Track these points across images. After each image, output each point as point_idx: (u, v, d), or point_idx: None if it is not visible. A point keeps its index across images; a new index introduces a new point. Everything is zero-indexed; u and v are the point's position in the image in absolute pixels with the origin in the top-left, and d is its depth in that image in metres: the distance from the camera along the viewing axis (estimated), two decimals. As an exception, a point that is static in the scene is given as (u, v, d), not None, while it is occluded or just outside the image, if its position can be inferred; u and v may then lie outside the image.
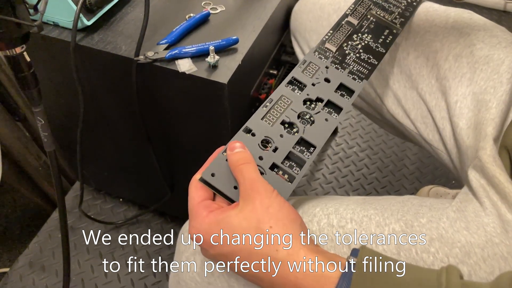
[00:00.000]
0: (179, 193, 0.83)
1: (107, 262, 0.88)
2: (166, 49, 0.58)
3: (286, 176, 0.41)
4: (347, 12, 0.57)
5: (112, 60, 0.59)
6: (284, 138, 0.42)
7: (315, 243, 0.38)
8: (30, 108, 0.97)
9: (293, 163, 0.42)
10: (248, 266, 0.34)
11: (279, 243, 0.33)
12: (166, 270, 0.87)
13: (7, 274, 0.88)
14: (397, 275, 0.31)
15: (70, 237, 0.93)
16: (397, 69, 0.60)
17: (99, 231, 0.93)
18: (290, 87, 0.47)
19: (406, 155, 1.07)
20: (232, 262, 0.34)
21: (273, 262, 0.32)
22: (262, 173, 0.39)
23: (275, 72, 0.77)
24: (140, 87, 0.60)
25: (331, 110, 0.46)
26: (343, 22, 0.56)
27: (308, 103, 0.46)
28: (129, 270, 0.87)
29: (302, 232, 0.34)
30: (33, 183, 1.06)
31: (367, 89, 0.65)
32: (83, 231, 0.93)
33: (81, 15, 0.58)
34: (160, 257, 0.89)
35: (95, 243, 0.91)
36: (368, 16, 0.57)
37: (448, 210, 0.43)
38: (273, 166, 0.41)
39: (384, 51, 0.54)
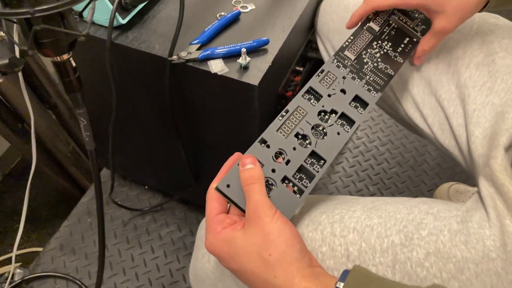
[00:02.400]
0: (204, 184, 0.85)
1: (134, 247, 0.92)
2: (198, 49, 0.60)
3: (295, 188, 0.42)
4: (370, 17, 0.57)
5: (146, 59, 0.61)
6: (297, 151, 0.44)
7: (318, 257, 0.43)
8: (60, 96, 1.01)
9: (303, 176, 0.43)
10: (252, 283, 0.38)
11: (277, 270, 0.36)
12: (190, 257, 0.90)
13: (39, 256, 0.93)
14: None
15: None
16: (417, 74, 0.60)
17: (126, 217, 0.97)
18: (306, 97, 0.47)
19: (427, 150, 1.07)
20: (239, 276, 0.39)
21: (271, 286, 0.36)
22: (272, 185, 0.41)
23: (301, 69, 0.78)
24: (172, 85, 0.62)
25: (344, 122, 0.47)
26: (364, 28, 0.55)
27: (322, 114, 0.47)
28: (155, 255, 0.90)
29: (299, 257, 0.37)
30: (61, 168, 1.10)
31: (387, 92, 0.65)
32: (110, 216, 0.97)
33: (116, 13, 0.60)
34: (184, 244, 0.92)
35: (122, 228, 0.95)
36: (390, 22, 0.57)
37: (452, 221, 0.44)
38: (284, 179, 0.42)
39: (402, 61, 0.54)
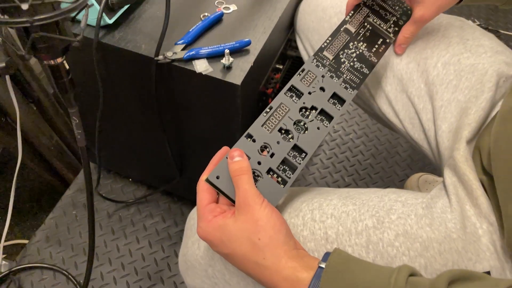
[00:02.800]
0: (187, 176, 0.89)
1: (119, 237, 0.95)
2: (183, 49, 0.63)
3: (279, 179, 0.46)
4: (346, 19, 0.61)
5: (133, 58, 0.63)
6: (280, 144, 0.47)
7: (300, 240, 0.47)
8: (43, 90, 1.01)
9: (286, 167, 0.47)
10: (243, 266, 0.42)
11: (266, 252, 0.40)
12: (174, 247, 0.94)
13: (25, 247, 0.95)
14: (358, 275, 0.38)
15: (83, 214, 0.99)
16: (390, 73, 0.64)
17: (111, 209, 0.99)
18: (288, 95, 0.51)
19: (399, 142, 1.14)
20: (230, 260, 0.43)
21: (261, 267, 0.40)
22: (258, 176, 0.45)
23: (281, 66, 0.82)
24: (158, 83, 0.65)
25: (323, 118, 0.51)
26: (341, 29, 0.59)
27: (304, 110, 0.50)
28: (140, 246, 0.94)
29: (286, 240, 0.41)
30: (44, 161, 1.11)
31: (362, 89, 0.70)
32: (95, 208, 0.99)
33: (103, 14, 0.62)
34: (168, 234, 0.96)
35: (107, 220, 0.97)
36: (365, 24, 0.61)
37: (418, 207, 0.49)
38: (269, 170, 0.46)
39: (376, 60, 0.58)
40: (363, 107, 0.76)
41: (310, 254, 0.43)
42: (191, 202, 1.01)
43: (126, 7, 0.66)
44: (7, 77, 0.70)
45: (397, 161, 1.10)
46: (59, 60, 0.45)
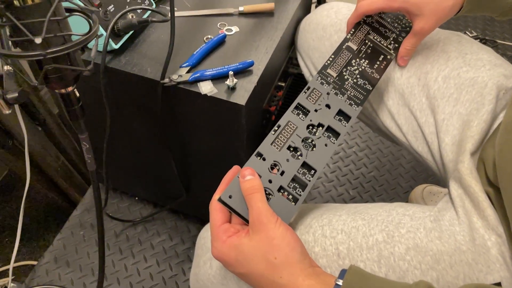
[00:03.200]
0: (193, 194, 0.90)
1: (127, 257, 0.95)
2: (188, 71, 0.64)
3: (290, 197, 0.47)
4: (348, 37, 0.62)
5: (139, 81, 0.65)
6: (290, 162, 0.48)
7: (312, 256, 0.47)
8: (49, 112, 1.03)
9: (296, 185, 0.48)
10: (259, 285, 0.42)
11: (282, 271, 0.40)
12: (182, 265, 0.94)
13: (34, 269, 0.95)
14: None
15: (90, 234, 1.00)
16: (391, 88, 0.66)
17: (118, 228, 1.00)
18: (295, 112, 0.52)
19: (402, 154, 1.14)
20: (246, 279, 0.43)
21: (278, 286, 0.40)
22: (270, 194, 0.46)
23: (283, 84, 0.83)
24: (164, 105, 0.66)
25: (330, 134, 0.52)
26: (343, 47, 0.61)
27: (311, 127, 0.52)
28: (148, 265, 0.94)
29: (301, 258, 0.41)
30: (51, 181, 1.12)
31: (365, 104, 0.71)
32: (102, 228, 1.00)
33: (109, 39, 0.64)
34: (175, 252, 0.96)
35: (115, 239, 0.98)
36: (366, 41, 0.62)
37: (426, 220, 0.50)
38: (280, 188, 0.47)
39: (378, 76, 0.59)
40: (366, 122, 0.77)
41: (326, 272, 0.44)
42: (198, 219, 1.01)
43: (131, 32, 0.68)
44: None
45: (400, 173, 1.11)
46: (70, 89, 0.46)
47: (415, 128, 0.64)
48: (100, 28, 0.63)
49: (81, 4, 0.43)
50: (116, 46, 0.65)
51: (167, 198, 0.97)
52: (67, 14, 0.40)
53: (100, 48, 0.63)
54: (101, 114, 0.71)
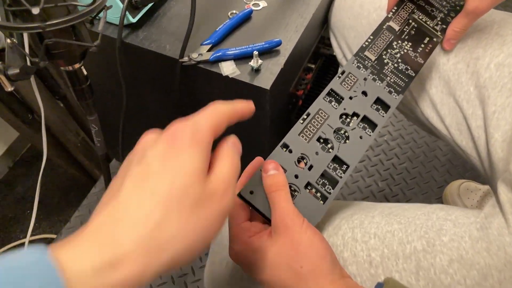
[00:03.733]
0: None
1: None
2: (209, 50, 0.59)
3: (319, 194, 0.42)
4: (389, 16, 0.55)
5: (157, 59, 0.60)
6: (320, 155, 0.43)
7: (340, 262, 0.41)
8: (69, 87, 1.00)
9: (326, 181, 0.43)
10: None
11: (308, 282, 0.35)
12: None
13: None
14: None
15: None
16: (435, 74, 0.59)
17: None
18: (327, 99, 0.47)
19: (438, 145, 1.06)
20: (267, 286, 0.38)
21: None
22: (296, 191, 0.41)
23: (312, 66, 0.76)
24: (183, 85, 0.61)
25: (366, 125, 0.46)
26: (384, 27, 0.54)
27: (344, 117, 0.46)
28: (162, 281, 0.90)
29: (331, 268, 0.36)
30: (71, 157, 1.11)
31: None
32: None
33: (127, 12, 0.59)
34: (192, 268, 0.91)
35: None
36: (410, 21, 0.56)
37: (471, 227, 0.43)
38: (307, 184, 0.42)
39: (422, 61, 0.53)
40: (402, 110, 0.70)
41: (358, 284, 0.39)
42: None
43: (150, 5, 0.63)
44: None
45: (435, 165, 1.03)
46: (76, 65, 0.42)
47: (460, 120, 0.58)
48: (116, 0, 0.58)
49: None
50: (134, 20, 0.61)
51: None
52: (69, -19, 0.35)
53: (116, 22, 0.59)
54: (118, 91, 0.67)
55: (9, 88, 0.42)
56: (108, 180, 0.52)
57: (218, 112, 0.32)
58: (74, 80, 0.43)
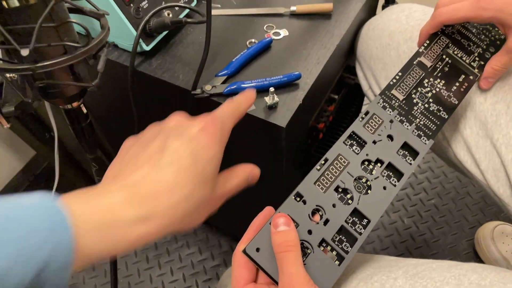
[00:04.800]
0: (227, 208, 0.82)
1: (153, 267, 0.90)
2: (224, 81, 0.55)
3: (334, 253, 0.37)
4: (420, 50, 0.50)
5: (169, 89, 0.57)
6: (337, 208, 0.39)
7: None
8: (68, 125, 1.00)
9: (343, 238, 0.38)
10: None
11: None
12: (209, 283, 0.87)
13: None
14: None
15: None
16: (470, 113, 0.54)
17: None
18: (348, 143, 0.42)
19: (470, 181, 0.99)
20: None
21: None
22: (307, 248, 0.37)
23: (336, 96, 0.72)
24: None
25: (391, 174, 0.42)
26: (414, 63, 0.49)
27: (366, 164, 0.42)
28: (174, 278, 0.88)
29: None
30: (86, 175, 1.10)
31: None
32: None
33: (140, 40, 0.56)
34: (204, 268, 0.89)
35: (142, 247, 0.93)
36: (444, 57, 0.50)
37: None
38: (322, 242, 0.38)
39: (456, 102, 0.48)
40: (434, 150, 0.65)
41: None
42: (230, 234, 0.94)
43: (164, 33, 0.60)
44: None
45: (467, 203, 0.95)
46: (75, 104, 0.39)
47: (497, 166, 0.52)
48: (129, 26, 0.55)
49: (89, 6, 0.35)
50: (147, 48, 0.58)
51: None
52: (72, 19, 0.33)
53: (129, 49, 0.56)
54: (129, 116, 0.65)
55: (5, 125, 0.40)
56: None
57: (236, 111, 0.40)
58: (73, 118, 0.40)
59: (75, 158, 1.01)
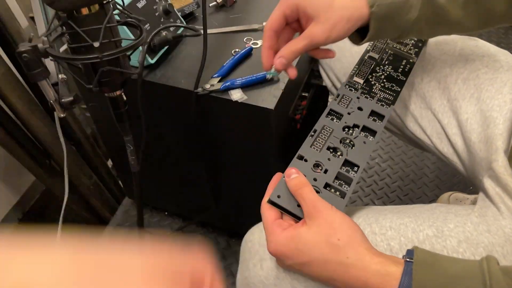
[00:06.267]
0: (222, 205, 0.92)
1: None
2: (219, 81, 0.68)
3: (338, 193, 0.48)
4: (368, 48, 0.65)
5: (174, 92, 0.69)
6: (332, 161, 0.50)
7: None
8: (84, 133, 1.09)
9: (342, 182, 0.49)
10: (324, 270, 0.41)
11: (348, 251, 0.40)
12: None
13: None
14: (448, 267, 0.38)
15: (122, 248, 1.02)
16: (412, 92, 0.68)
17: (149, 242, 1.02)
18: (329, 118, 0.55)
19: (425, 164, 1.15)
20: (309, 269, 0.42)
21: (346, 267, 0.40)
22: (318, 192, 0.47)
23: (306, 94, 0.87)
24: (197, 113, 0.70)
25: (367, 134, 0.54)
26: (365, 57, 0.64)
27: (347, 129, 0.54)
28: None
29: (364, 239, 0.42)
30: (84, 200, 1.17)
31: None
32: (134, 242, 1.03)
33: (146, 55, 0.69)
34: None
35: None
36: (387, 50, 0.65)
37: (471, 216, 0.50)
38: (326, 185, 0.48)
39: (404, 78, 0.62)
40: (391, 129, 0.79)
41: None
42: (226, 232, 1.03)
43: (165, 48, 0.73)
44: (57, 119, 0.77)
45: (425, 182, 1.11)
46: (118, 92, 0.50)
47: (439, 130, 0.66)
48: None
49: (131, 14, 0.48)
50: (152, 61, 0.70)
51: (196, 211, 1.00)
52: (120, 22, 0.45)
53: (136, 64, 0.68)
54: (135, 128, 0.76)
55: (61, 114, 0.50)
56: (139, 194, 0.59)
57: None
58: (115, 105, 0.51)
59: (73, 183, 1.08)
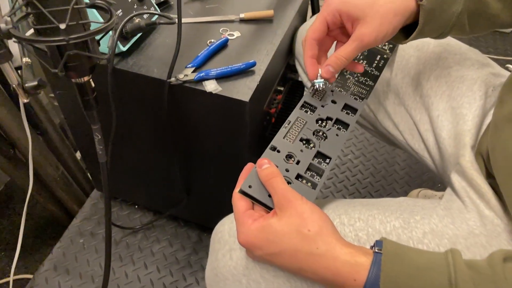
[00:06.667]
0: (194, 198, 0.91)
1: (127, 264, 0.95)
2: (193, 72, 0.67)
3: (309, 184, 0.48)
4: None
5: (146, 82, 0.67)
6: (304, 152, 0.50)
7: None
8: (50, 121, 1.04)
9: (313, 173, 0.49)
10: (295, 261, 0.41)
11: (318, 242, 0.40)
12: (182, 271, 0.94)
13: (33, 278, 0.94)
14: (414, 258, 0.39)
15: (90, 242, 0.99)
16: (387, 88, 0.69)
17: (118, 236, 1.00)
18: (303, 110, 0.55)
19: (396, 161, 1.17)
20: (279, 259, 0.42)
21: (315, 257, 0.40)
22: (289, 183, 0.47)
23: (281, 88, 0.86)
24: (170, 104, 0.69)
25: (340, 126, 0.54)
26: None
27: (320, 122, 0.54)
28: (148, 271, 0.94)
29: (334, 229, 0.42)
30: (50, 192, 1.12)
31: (364, 109, 0.74)
32: (102, 236, 1.00)
33: (118, 42, 0.67)
34: (176, 258, 0.96)
35: (115, 247, 0.98)
36: None
37: (437, 209, 0.52)
38: (298, 176, 0.48)
39: (378, 73, 0.63)
40: (364, 125, 0.80)
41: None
42: (197, 226, 1.02)
43: (138, 35, 0.71)
44: (22, 107, 0.73)
45: (395, 178, 1.13)
46: (86, 78, 0.48)
47: (411, 126, 0.67)
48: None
49: None
50: (124, 49, 0.68)
51: (167, 205, 0.98)
52: (89, 4, 0.43)
53: (106, 50, 0.66)
54: (105, 117, 0.73)
55: (25, 99, 0.47)
56: (107, 187, 0.57)
57: None
58: (83, 91, 0.49)
59: (39, 174, 1.04)
